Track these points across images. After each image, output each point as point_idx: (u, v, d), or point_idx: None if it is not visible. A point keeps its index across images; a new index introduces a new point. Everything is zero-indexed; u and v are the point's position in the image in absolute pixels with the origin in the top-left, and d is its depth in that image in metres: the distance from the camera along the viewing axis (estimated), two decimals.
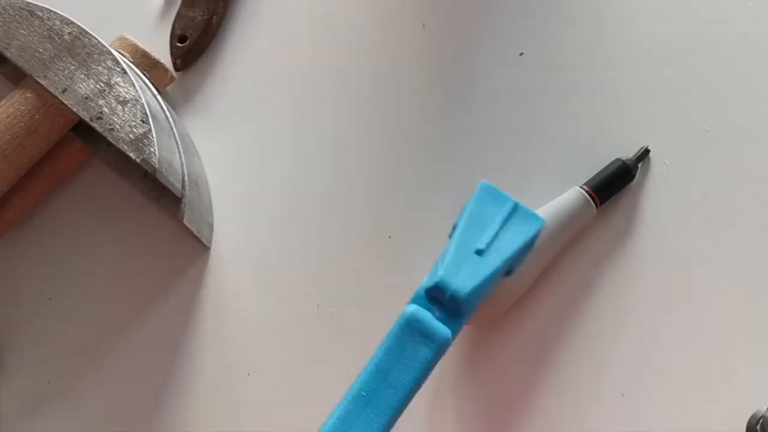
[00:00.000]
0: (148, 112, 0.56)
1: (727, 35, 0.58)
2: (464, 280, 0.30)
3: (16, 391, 0.59)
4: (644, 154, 0.55)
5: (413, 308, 0.30)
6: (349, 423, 0.28)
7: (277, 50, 0.65)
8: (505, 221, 0.34)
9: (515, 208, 0.34)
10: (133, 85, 0.57)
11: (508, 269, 0.34)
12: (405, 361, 0.29)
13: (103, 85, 0.57)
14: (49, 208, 0.63)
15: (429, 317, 0.30)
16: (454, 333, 0.30)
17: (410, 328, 0.30)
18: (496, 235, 0.33)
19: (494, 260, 0.32)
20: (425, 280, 0.31)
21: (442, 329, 0.30)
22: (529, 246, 0.34)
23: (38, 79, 0.57)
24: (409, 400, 0.29)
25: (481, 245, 0.32)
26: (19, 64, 0.57)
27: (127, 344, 0.59)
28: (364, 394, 0.29)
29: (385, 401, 0.29)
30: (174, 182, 0.56)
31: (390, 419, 0.29)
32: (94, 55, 0.57)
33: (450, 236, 0.33)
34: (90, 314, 0.60)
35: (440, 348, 0.29)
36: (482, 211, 0.34)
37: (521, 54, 0.60)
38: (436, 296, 0.30)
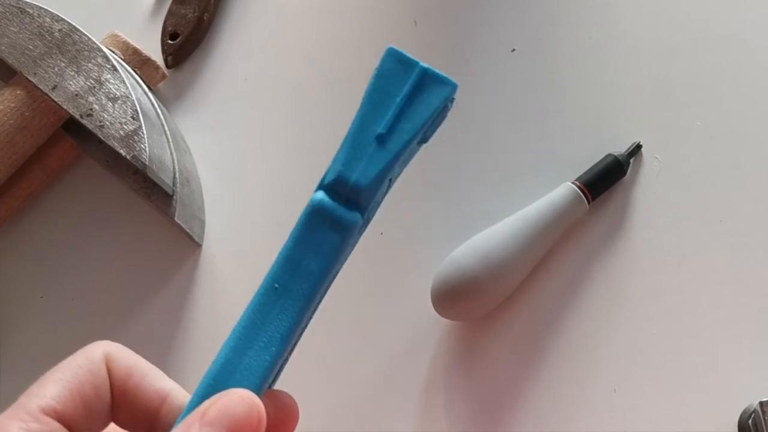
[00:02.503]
0: (138, 109, 0.55)
1: (719, 32, 0.58)
2: (365, 171, 0.29)
3: (6, 388, 0.59)
4: (636, 149, 0.55)
5: (320, 195, 0.29)
6: (265, 314, 0.28)
7: (269, 47, 0.65)
8: (411, 93, 0.30)
9: (423, 74, 0.30)
10: (124, 82, 0.56)
11: (421, 139, 0.31)
12: (315, 249, 0.29)
13: (93, 82, 0.56)
14: (39, 205, 0.63)
15: (335, 204, 0.29)
16: (363, 216, 0.29)
17: (318, 216, 0.29)
18: (400, 112, 0.30)
19: (397, 141, 0.30)
20: (326, 173, 0.30)
21: (350, 214, 0.29)
22: (439, 113, 0.31)
23: (28, 77, 0.57)
24: (322, 288, 0.29)
25: (381, 128, 0.30)
26: (9, 61, 0.57)
27: (118, 341, 0.59)
28: (276, 285, 0.28)
29: (298, 290, 0.28)
30: (165, 179, 0.56)
31: (303, 307, 0.28)
32: (85, 52, 0.57)
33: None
34: (81, 311, 0.60)
35: (350, 232, 0.29)
36: (385, 85, 0.31)
37: (513, 50, 0.60)
38: (339, 189, 0.29)
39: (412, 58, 0.31)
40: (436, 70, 0.30)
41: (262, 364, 0.28)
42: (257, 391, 0.28)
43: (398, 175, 0.32)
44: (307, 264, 0.29)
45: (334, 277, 0.31)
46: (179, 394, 0.30)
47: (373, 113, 0.30)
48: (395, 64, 0.31)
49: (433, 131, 0.32)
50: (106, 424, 0.29)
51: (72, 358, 0.29)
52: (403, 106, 0.30)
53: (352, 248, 0.32)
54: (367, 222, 0.32)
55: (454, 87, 0.31)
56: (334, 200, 0.29)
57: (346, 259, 0.31)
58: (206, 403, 0.27)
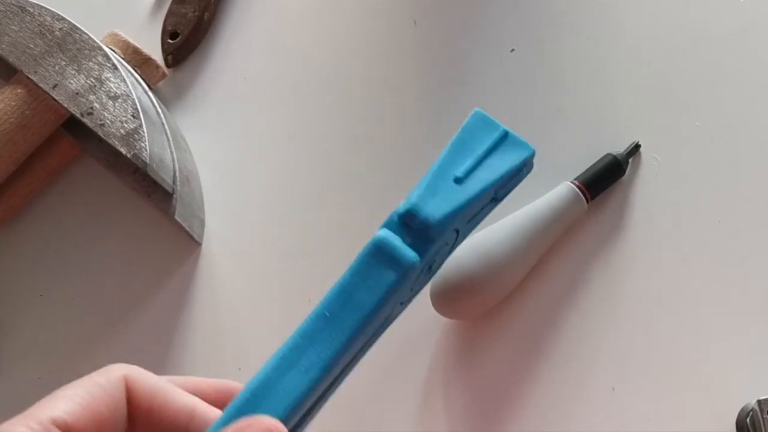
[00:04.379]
0: (138, 108, 0.56)
1: (719, 32, 0.58)
2: (437, 207, 0.30)
3: (6, 387, 0.59)
4: (635, 149, 0.56)
5: (383, 233, 0.30)
6: (311, 339, 0.29)
7: (269, 47, 0.65)
8: (491, 149, 0.32)
9: (505, 135, 0.32)
10: (124, 81, 0.56)
11: (494, 197, 0.33)
12: (370, 284, 0.29)
13: (93, 80, 0.57)
14: (40, 204, 0.63)
15: (398, 242, 0.29)
16: (423, 258, 0.30)
17: (378, 252, 0.29)
18: (479, 163, 0.32)
19: (472, 187, 0.31)
20: (399, 206, 0.30)
21: (410, 253, 0.29)
22: (515, 173, 0.32)
23: (29, 75, 0.57)
24: (371, 324, 0.29)
25: (459, 173, 0.31)
26: (10, 59, 0.57)
27: (118, 340, 0.59)
28: (327, 313, 0.29)
29: (346, 321, 0.29)
30: (165, 178, 0.56)
31: (350, 338, 0.29)
32: (85, 51, 0.57)
33: None
34: (81, 310, 0.60)
35: (406, 271, 0.29)
36: (469, 139, 0.32)
37: (512, 50, 0.60)
38: (408, 222, 0.30)
39: (496, 121, 0.33)
40: (517, 135, 0.32)
41: (299, 388, 0.28)
42: (289, 412, 0.28)
43: (466, 234, 0.33)
44: (360, 297, 0.29)
45: (387, 320, 0.31)
46: (206, 409, 0.30)
47: (453, 160, 0.31)
48: (480, 123, 0.33)
49: (506, 193, 0.33)
50: None
51: (89, 377, 0.29)
52: (483, 158, 0.32)
53: (411, 295, 0.32)
54: (429, 272, 0.32)
55: (532, 152, 0.33)
56: (400, 235, 0.30)
57: (401, 302, 0.31)
58: (233, 428, 0.27)
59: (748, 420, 0.48)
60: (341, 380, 0.31)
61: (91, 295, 0.60)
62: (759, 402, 0.47)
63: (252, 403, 0.28)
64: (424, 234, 0.30)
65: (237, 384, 0.32)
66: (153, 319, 0.59)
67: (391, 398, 0.54)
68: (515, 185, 0.33)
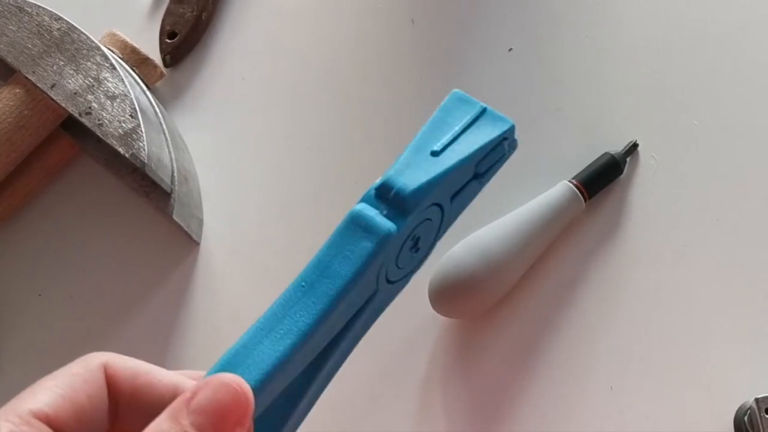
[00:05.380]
0: (137, 108, 0.56)
1: (717, 31, 0.58)
2: (412, 178, 0.30)
3: (5, 385, 0.59)
4: (633, 148, 0.56)
5: (360, 206, 0.30)
6: (287, 308, 0.29)
7: (267, 47, 0.65)
8: (470, 124, 0.32)
9: (483, 111, 0.33)
10: (122, 81, 0.56)
11: (476, 172, 0.33)
12: (346, 254, 0.29)
13: (92, 80, 0.57)
14: (38, 204, 0.63)
15: (374, 213, 0.30)
16: (400, 229, 0.30)
17: (354, 223, 0.30)
18: (456, 138, 0.32)
19: (449, 159, 0.31)
20: (377, 181, 0.31)
21: (386, 223, 0.30)
22: (494, 146, 0.33)
23: (27, 75, 0.57)
24: (350, 293, 0.29)
25: (437, 147, 0.31)
26: (8, 59, 0.57)
27: (116, 340, 0.59)
28: (303, 284, 0.29)
29: (323, 290, 0.29)
30: (163, 177, 0.56)
31: (328, 307, 0.29)
32: (83, 51, 0.57)
33: None
34: (79, 310, 0.60)
35: (382, 241, 0.29)
36: (447, 116, 0.33)
37: (510, 50, 0.61)
38: (384, 194, 0.30)
39: (475, 99, 0.33)
40: (496, 111, 0.32)
41: (274, 354, 0.28)
42: (263, 378, 0.27)
43: (453, 215, 0.33)
44: (337, 267, 0.29)
45: (379, 303, 0.32)
46: (187, 383, 0.30)
47: (430, 136, 0.32)
48: (458, 102, 0.33)
49: (489, 169, 0.33)
50: None
51: (67, 367, 0.29)
52: (460, 133, 0.32)
53: (402, 274, 0.32)
54: (416, 250, 0.32)
55: (511, 125, 0.33)
56: (377, 207, 0.30)
57: (390, 280, 0.31)
58: (193, 389, 0.27)
59: (746, 418, 0.48)
60: (333, 363, 0.31)
61: (89, 294, 0.60)
62: (757, 400, 0.47)
63: (226, 370, 0.28)
64: (400, 205, 0.30)
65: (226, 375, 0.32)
66: (151, 318, 0.59)
67: (389, 397, 0.54)
68: (498, 162, 0.33)
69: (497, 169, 0.34)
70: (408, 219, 0.30)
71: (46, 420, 0.27)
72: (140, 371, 0.30)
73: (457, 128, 0.32)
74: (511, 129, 0.33)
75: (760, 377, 0.50)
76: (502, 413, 0.53)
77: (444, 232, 0.33)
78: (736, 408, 0.50)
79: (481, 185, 0.33)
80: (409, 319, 0.55)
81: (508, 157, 0.34)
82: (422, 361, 0.55)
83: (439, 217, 0.32)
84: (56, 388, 0.27)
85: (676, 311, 0.53)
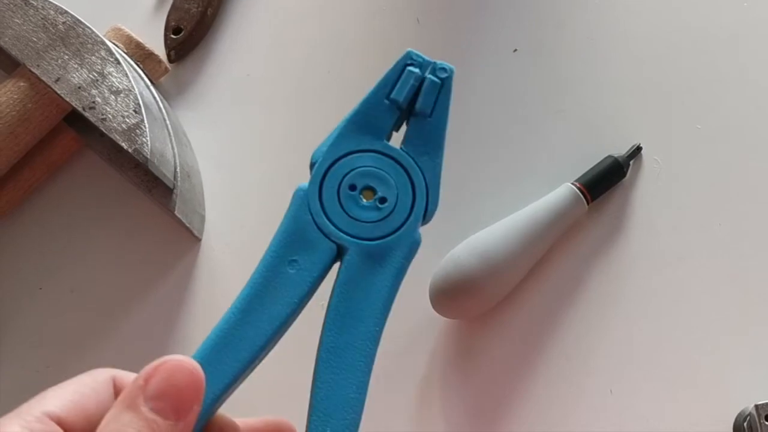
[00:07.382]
0: (140, 103, 0.56)
1: (721, 34, 0.58)
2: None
3: (5, 380, 0.59)
4: (636, 151, 0.56)
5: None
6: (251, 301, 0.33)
7: (271, 43, 0.65)
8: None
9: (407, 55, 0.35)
10: (127, 76, 0.56)
11: (418, 111, 0.33)
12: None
13: (96, 75, 0.57)
14: (40, 197, 0.63)
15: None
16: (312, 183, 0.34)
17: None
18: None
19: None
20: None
21: (302, 185, 0.34)
22: (396, 74, 0.34)
23: (31, 69, 0.57)
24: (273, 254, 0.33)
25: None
26: (13, 53, 0.57)
27: (117, 335, 0.59)
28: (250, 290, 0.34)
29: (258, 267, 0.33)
30: (166, 173, 0.56)
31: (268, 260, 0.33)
32: (88, 45, 0.57)
33: None
34: (80, 304, 0.60)
35: (294, 195, 0.34)
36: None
37: (515, 51, 0.60)
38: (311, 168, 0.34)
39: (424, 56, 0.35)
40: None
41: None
42: (208, 354, 0.30)
43: (422, 151, 0.34)
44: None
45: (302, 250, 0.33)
46: None
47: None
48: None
49: (436, 106, 0.33)
50: None
51: (76, 378, 0.30)
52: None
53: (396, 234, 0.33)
54: (389, 200, 0.33)
55: (407, 51, 0.35)
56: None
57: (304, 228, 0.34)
58: (143, 375, 0.28)
59: (745, 424, 0.48)
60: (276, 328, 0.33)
61: (90, 289, 0.60)
62: (756, 407, 0.47)
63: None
64: (313, 166, 0.33)
65: (286, 421, 0.34)
66: (152, 313, 0.59)
67: (389, 397, 0.54)
68: (441, 95, 0.33)
69: (446, 103, 0.33)
70: (313, 170, 0.33)
71: (58, 421, 0.28)
72: None
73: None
74: (408, 55, 0.34)
75: (759, 383, 0.50)
76: (502, 414, 0.53)
77: (431, 170, 0.34)
78: (735, 414, 0.50)
79: (440, 123, 0.33)
80: (409, 320, 0.55)
81: (450, 87, 0.34)
82: (422, 361, 0.55)
83: (388, 159, 0.33)
84: (67, 394, 0.29)
85: (676, 316, 0.53)
